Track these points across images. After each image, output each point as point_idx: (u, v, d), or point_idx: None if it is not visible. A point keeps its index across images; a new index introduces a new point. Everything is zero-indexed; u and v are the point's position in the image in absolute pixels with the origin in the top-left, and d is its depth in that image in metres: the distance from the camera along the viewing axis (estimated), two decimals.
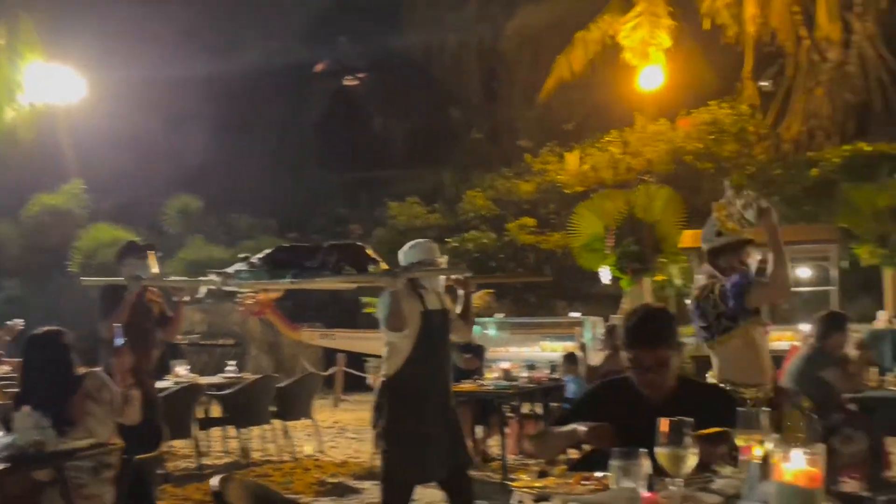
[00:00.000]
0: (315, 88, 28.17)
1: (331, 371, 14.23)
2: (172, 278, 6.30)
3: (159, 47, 20.29)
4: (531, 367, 8.49)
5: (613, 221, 12.25)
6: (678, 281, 13.04)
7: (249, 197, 20.98)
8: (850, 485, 6.68)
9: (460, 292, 5.33)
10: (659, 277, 13.43)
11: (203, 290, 6.02)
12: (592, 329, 12.47)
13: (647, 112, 19.42)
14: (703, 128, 18.53)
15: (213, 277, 5.69)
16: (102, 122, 18.65)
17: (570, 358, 8.20)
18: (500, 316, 14.32)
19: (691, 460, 2.31)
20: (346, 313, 16.59)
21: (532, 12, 22.44)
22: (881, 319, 10.57)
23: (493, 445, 8.08)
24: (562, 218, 17.12)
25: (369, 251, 5.51)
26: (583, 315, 13.16)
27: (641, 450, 2.27)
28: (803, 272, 12.06)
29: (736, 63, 19.77)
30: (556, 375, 8.43)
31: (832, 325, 6.28)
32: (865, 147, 17.31)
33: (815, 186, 16.26)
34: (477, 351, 8.37)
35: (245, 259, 5.71)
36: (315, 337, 15.09)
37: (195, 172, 20.48)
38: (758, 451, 2.40)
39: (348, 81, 29.21)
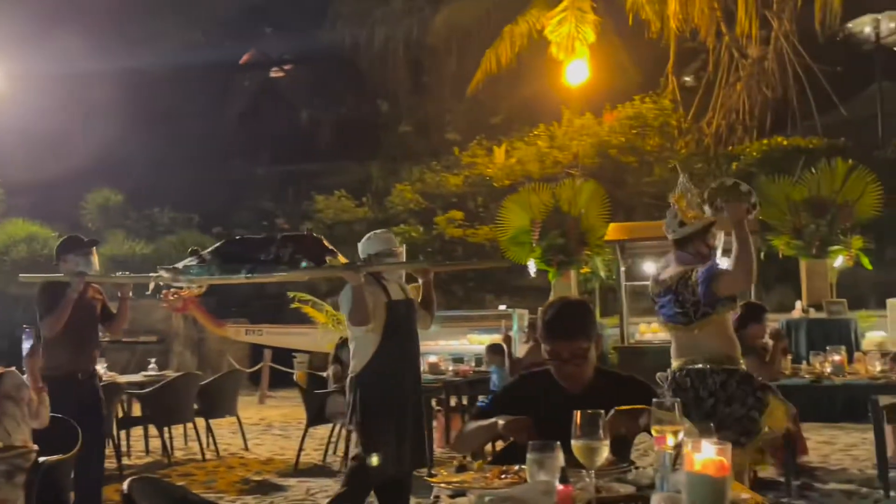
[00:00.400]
0: (240, 80, 27.75)
1: (257, 367, 14.04)
2: (118, 274, 6.07)
3: (78, 38, 19.68)
4: (458, 360, 8.50)
5: (539, 215, 12.33)
6: (603, 273, 13.22)
7: (171, 191, 20.54)
8: (768, 470, 6.88)
9: (420, 281, 5.25)
10: (584, 270, 13.59)
11: (151, 286, 5.82)
12: (520, 321, 12.55)
13: (574, 106, 19.67)
14: (626, 122, 18.87)
15: (162, 273, 5.47)
16: (18, 115, 18.03)
17: (494, 348, 8.21)
18: None
19: (605, 452, 2.32)
20: (272, 308, 16.40)
21: (459, 6, 22.48)
22: (797, 309, 10.88)
23: None
24: (490, 211, 17.21)
25: (326, 242, 5.39)
26: (510, 308, 13.24)
27: (556, 442, 2.27)
28: (723, 263, 12.32)
29: (659, 59, 20.16)
30: (482, 368, 8.45)
31: (750, 316, 6.41)
32: (782, 141, 17.88)
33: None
34: None
35: (194, 253, 5.50)
36: (240, 333, 14.88)
37: (115, 166, 19.98)
38: (671, 441, 2.42)
39: (274, 73, 28.83)
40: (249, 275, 5.26)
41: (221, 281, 5.68)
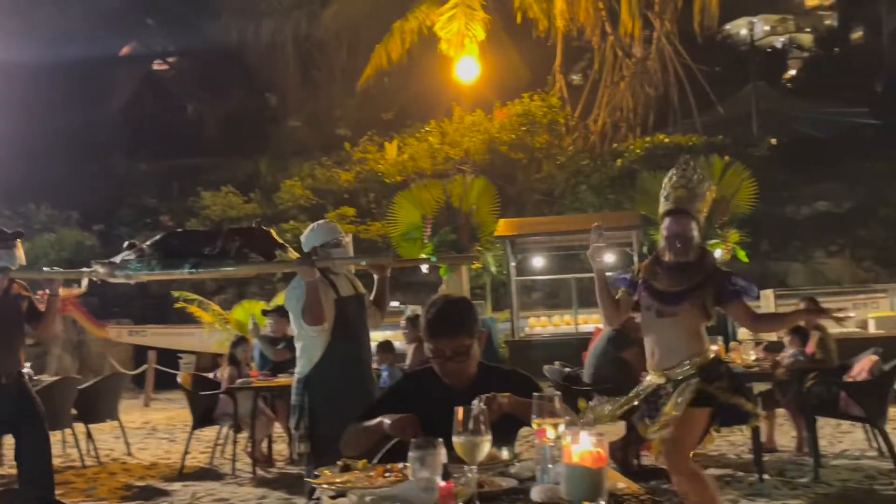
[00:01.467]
0: (121, 73, 26.78)
1: (141, 369, 13.60)
2: (47, 269, 5.65)
3: None
4: None
5: (431, 211, 12.38)
6: (494, 268, 13.37)
7: (49, 187, 19.66)
8: (649, 458, 7.08)
9: (376, 277, 4.99)
10: (476, 265, 13.72)
11: (84, 282, 5.44)
12: None
13: (464, 103, 19.82)
14: (516, 119, 19.15)
15: (97, 268, 5.05)
16: None
17: (384, 346, 8.17)
18: None
19: (487, 447, 2.33)
20: (156, 308, 15.93)
21: (349, 0, 22.32)
22: None
23: None
24: (382, 207, 17.17)
25: (276, 236, 5.08)
26: (402, 304, 13.25)
27: (438, 439, 2.26)
28: (608, 257, 12.64)
29: (547, 57, 20.53)
30: (373, 365, 8.38)
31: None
32: (664, 138, 18.50)
33: (619, 176, 17.20)
34: (290, 343, 8.20)
35: (132, 246, 5.13)
36: (123, 334, 14.38)
37: None
38: (551, 434, 2.45)
39: (157, 66, 27.99)
40: (194, 269, 4.91)
41: (162, 276, 5.38)
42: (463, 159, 18.71)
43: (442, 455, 2.26)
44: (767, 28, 39.01)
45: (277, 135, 23.77)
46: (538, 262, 14.65)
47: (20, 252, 5.16)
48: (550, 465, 2.38)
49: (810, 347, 7.03)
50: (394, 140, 19.90)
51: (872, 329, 10.67)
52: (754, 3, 34.52)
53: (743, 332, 10.55)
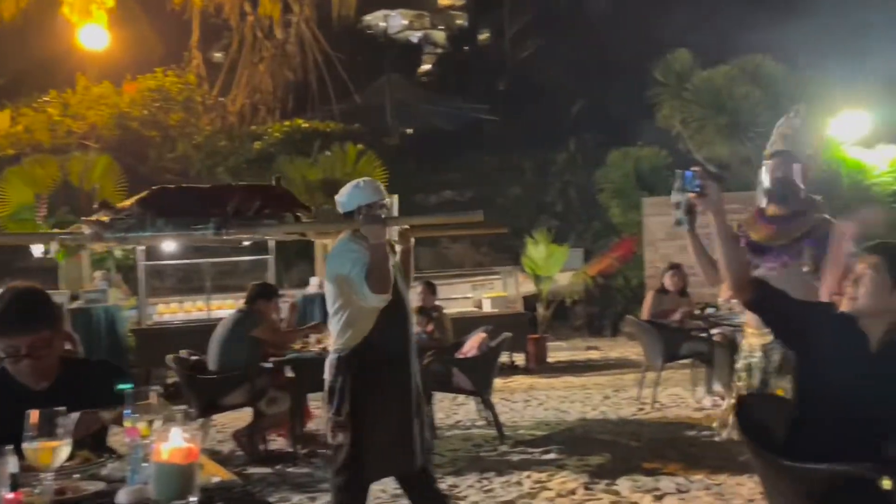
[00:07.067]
0: None
1: None
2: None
3: None
4: None
5: (46, 189, 11.33)
6: (119, 252, 12.57)
7: None
8: (277, 442, 7.08)
9: (399, 248, 4.36)
10: (104, 249, 12.82)
11: (46, 247, 4.15)
12: None
13: (91, 74, 18.48)
14: (148, 95, 18.26)
15: (83, 229, 4.17)
16: None
17: None
18: None
19: (65, 451, 2.13)
20: None
21: None
22: (313, 285, 11.38)
23: None
24: None
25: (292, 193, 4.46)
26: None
27: (5, 447, 2.02)
28: (245, 242, 12.48)
29: (185, 32, 19.74)
30: None
31: (261, 294, 6.59)
32: (302, 123, 18.72)
33: (257, 159, 17.11)
34: None
35: (105, 206, 4.23)
36: None
37: None
38: (145, 432, 2.32)
39: None
40: (218, 231, 4.17)
41: (170, 237, 4.47)
42: (87, 133, 17.41)
43: (11, 464, 2.03)
44: (405, 22, 41.06)
45: None
46: (168, 245, 14.03)
47: None
48: (144, 465, 2.25)
49: (430, 327, 7.49)
50: (6, 109, 17.96)
51: (487, 308, 11.63)
52: None
53: None
